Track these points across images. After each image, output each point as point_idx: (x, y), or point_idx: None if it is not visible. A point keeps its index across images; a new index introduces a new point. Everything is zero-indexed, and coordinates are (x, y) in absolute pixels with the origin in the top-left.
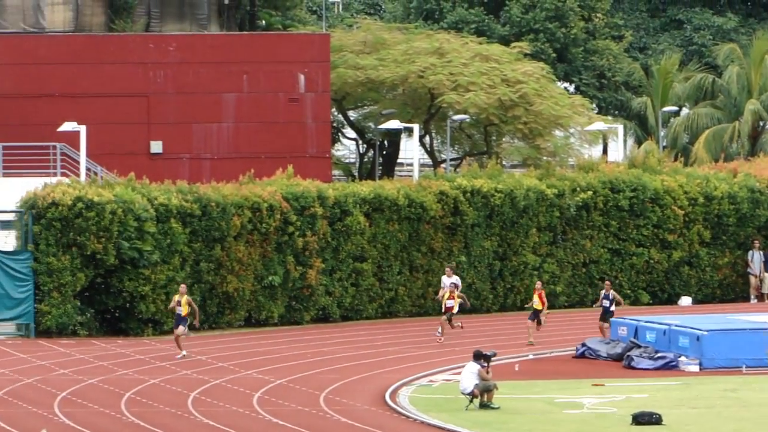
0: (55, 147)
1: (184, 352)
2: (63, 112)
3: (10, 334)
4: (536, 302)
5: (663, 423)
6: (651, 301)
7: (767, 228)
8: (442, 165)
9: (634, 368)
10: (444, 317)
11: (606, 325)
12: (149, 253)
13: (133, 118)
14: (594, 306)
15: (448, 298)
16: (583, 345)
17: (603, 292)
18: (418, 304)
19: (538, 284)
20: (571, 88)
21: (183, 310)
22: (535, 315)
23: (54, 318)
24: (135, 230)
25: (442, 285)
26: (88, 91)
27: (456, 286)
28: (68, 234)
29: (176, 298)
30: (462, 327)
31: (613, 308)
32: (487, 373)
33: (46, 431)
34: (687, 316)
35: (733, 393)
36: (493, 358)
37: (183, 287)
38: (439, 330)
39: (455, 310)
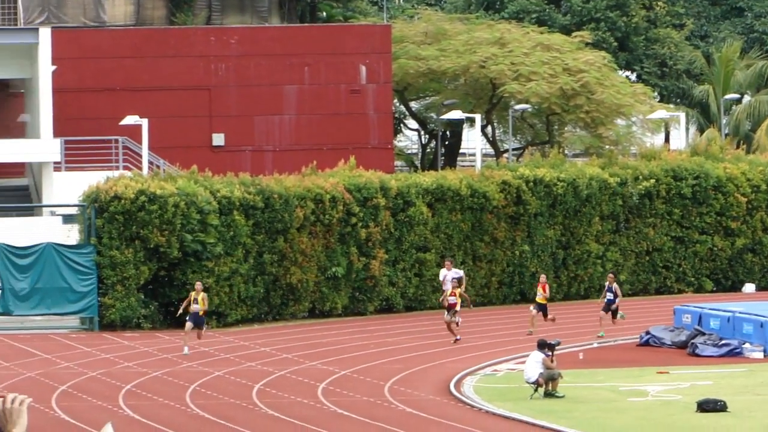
0: (117, 141)
1: (186, 349)
2: (125, 105)
3: (74, 328)
4: (540, 295)
5: (728, 410)
6: (715, 289)
7: None
8: (505, 155)
9: (698, 355)
10: (447, 315)
11: (608, 315)
12: (212, 245)
13: (195, 111)
14: (600, 299)
15: (450, 295)
16: (647, 333)
17: (607, 284)
18: (482, 294)
19: (542, 277)
20: (633, 77)
21: (200, 309)
22: (541, 308)
23: (118, 311)
24: (198, 223)
25: (441, 278)
26: (149, 85)
27: (459, 280)
28: (131, 227)
29: (192, 295)
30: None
31: (617, 301)
32: (552, 361)
33: (111, 424)
34: (751, 303)
35: None
36: (557, 347)
37: (198, 285)
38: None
39: (458, 307)
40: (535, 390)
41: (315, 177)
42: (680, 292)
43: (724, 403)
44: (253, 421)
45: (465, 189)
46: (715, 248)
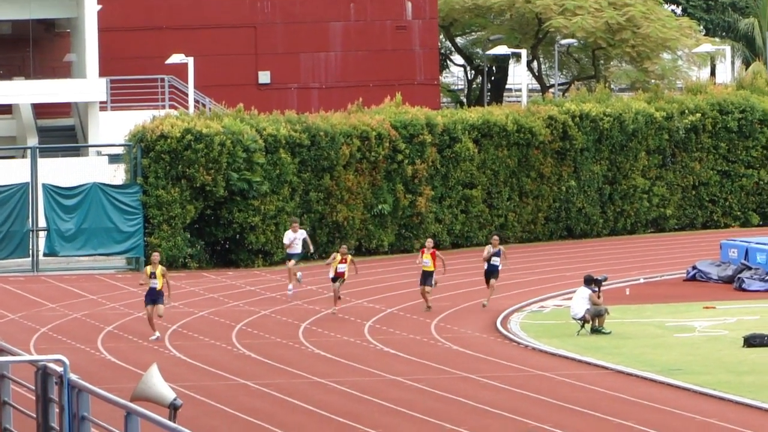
0: (163, 80)
1: (157, 334)
2: (170, 44)
3: (120, 268)
4: (427, 263)
5: None
6: (761, 223)
7: None
8: (551, 90)
9: (745, 290)
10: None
11: (493, 281)
12: (258, 183)
13: (240, 49)
14: (484, 261)
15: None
16: (694, 268)
17: (489, 247)
18: (528, 230)
19: (429, 242)
20: (678, 11)
21: (158, 283)
22: (427, 277)
23: (164, 251)
24: (244, 161)
25: (287, 242)
26: (195, 23)
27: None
28: (177, 166)
29: (148, 269)
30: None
31: (500, 265)
32: (599, 297)
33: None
34: None
35: None
36: (604, 283)
37: (155, 256)
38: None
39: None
40: (582, 326)
41: (361, 114)
42: (726, 226)
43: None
44: (300, 361)
45: (511, 125)
46: (762, 182)
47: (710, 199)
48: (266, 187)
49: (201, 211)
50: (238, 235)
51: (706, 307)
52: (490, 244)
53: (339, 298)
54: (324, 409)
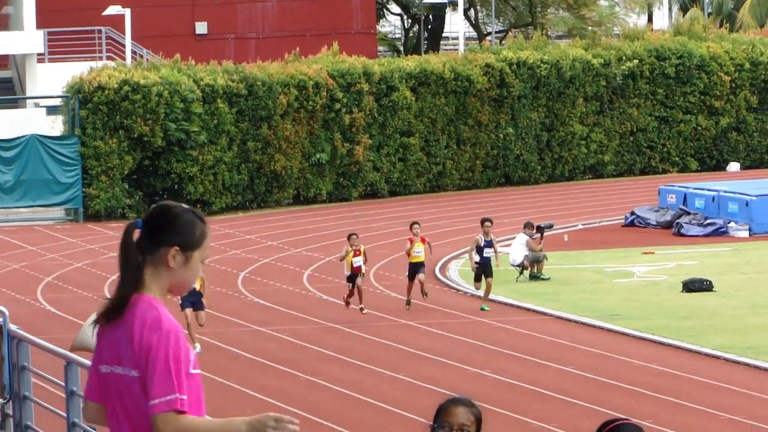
0: (100, 31)
1: (198, 347)
2: None
3: (59, 219)
4: (420, 252)
5: (714, 289)
6: (699, 168)
7: None
8: (488, 38)
9: (683, 235)
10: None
11: (490, 279)
12: (196, 134)
13: (177, 0)
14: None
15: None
16: (633, 213)
17: (480, 237)
18: (466, 178)
19: (417, 227)
20: None
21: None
22: (418, 268)
23: (102, 202)
24: (182, 111)
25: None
26: None
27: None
28: (115, 117)
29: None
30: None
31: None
32: (539, 244)
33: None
34: (736, 182)
35: None
36: (548, 230)
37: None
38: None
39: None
40: (520, 273)
41: (298, 64)
42: (665, 172)
43: (710, 282)
44: (239, 310)
45: (448, 73)
46: (700, 128)
47: (648, 145)
48: (204, 137)
49: (139, 162)
50: (176, 186)
51: (645, 253)
52: (482, 232)
53: (356, 294)
54: (264, 357)
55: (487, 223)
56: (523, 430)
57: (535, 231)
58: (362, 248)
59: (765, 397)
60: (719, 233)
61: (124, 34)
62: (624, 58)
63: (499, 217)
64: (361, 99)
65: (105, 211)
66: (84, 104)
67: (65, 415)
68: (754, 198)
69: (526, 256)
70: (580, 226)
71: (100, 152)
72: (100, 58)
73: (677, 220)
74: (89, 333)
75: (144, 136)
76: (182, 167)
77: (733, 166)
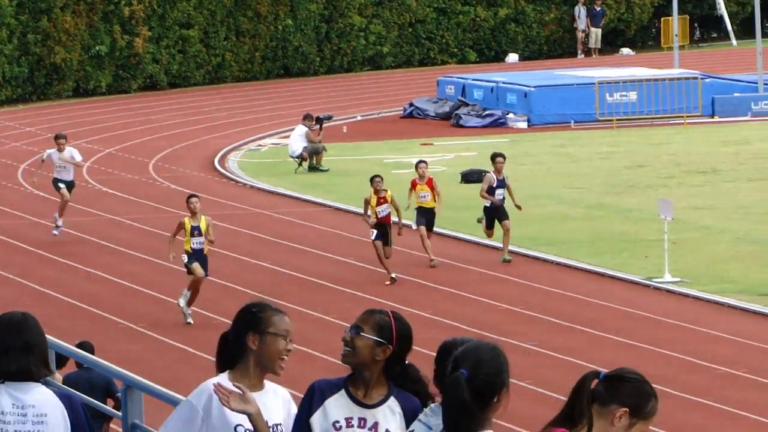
0: None
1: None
2: None
3: None
4: (427, 197)
5: None
6: (478, 59)
7: None
8: None
9: (462, 126)
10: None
11: (506, 222)
12: None
13: None
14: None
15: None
16: (411, 105)
17: (492, 175)
18: (245, 69)
19: (423, 166)
20: None
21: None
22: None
23: None
24: None
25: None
26: None
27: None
28: None
29: (188, 222)
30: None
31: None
32: (318, 135)
33: None
34: (514, 73)
35: (562, 148)
36: (328, 121)
37: (195, 201)
38: None
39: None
40: (300, 164)
41: None
42: (444, 63)
43: (489, 173)
44: (19, 201)
45: None
46: (478, 18)
47: (427, 37)
48: None
49: None
50: None
51: (424, 144)
52: (493, 170)
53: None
54: (42, 249)
55: (500, 159)
56: (304, 320)
57: (314, 122)
58: (389, 193)
59: (545, 288)
60: (498, 124)
61: None
62: None
63: (278, 108)
64: None
65: None
66: None
67: None
68: (533, 89)
69: (305, 147)
70: (359, 118)
71: None
72: None
73: (456, 111)
74: None
75: None
76: None
77: (512, 57)
